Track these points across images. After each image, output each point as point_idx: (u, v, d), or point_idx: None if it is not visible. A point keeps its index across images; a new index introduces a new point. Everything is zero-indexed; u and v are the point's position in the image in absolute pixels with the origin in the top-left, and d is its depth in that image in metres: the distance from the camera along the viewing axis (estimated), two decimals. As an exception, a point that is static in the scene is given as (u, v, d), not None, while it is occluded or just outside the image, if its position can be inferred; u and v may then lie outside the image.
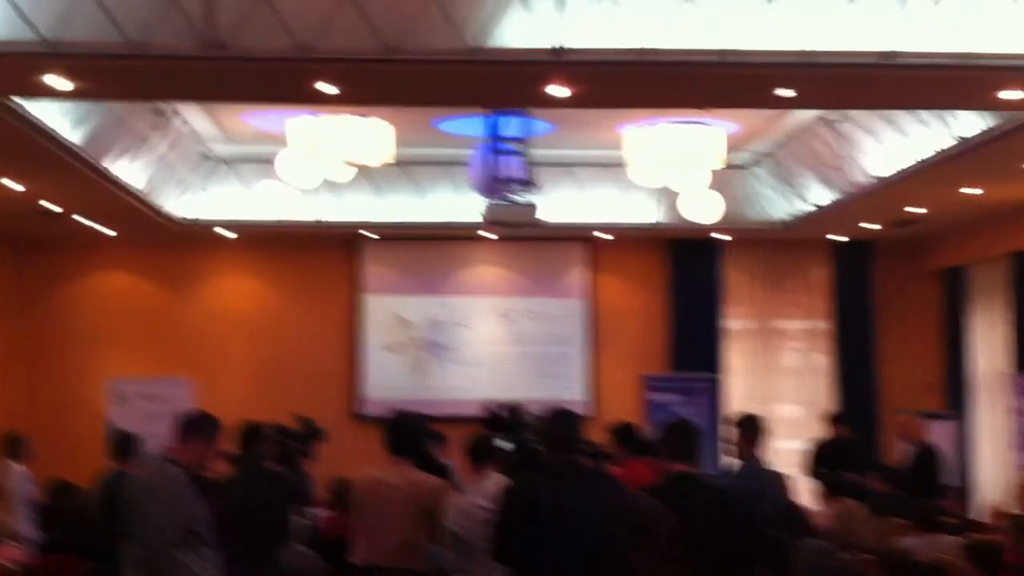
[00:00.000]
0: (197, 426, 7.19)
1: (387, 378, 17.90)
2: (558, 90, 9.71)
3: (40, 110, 10.88)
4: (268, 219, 16.24)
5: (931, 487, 13.21)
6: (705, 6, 8.76)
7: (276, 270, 18.15)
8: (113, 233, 16.94)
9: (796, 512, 9.22)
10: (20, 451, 10.93)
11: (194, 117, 14.30)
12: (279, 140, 13.61)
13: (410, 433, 7.91)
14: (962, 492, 12.59)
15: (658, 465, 7.34)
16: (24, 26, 8.52)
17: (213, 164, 16.07)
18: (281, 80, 9.69)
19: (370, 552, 7.58)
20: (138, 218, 15.58)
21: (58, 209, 14.98)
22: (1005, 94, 9.57)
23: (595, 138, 15.01)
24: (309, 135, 12.77)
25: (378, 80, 9.68)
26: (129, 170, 13.61)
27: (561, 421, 6.51)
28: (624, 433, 10.99)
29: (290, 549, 8.72)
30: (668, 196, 16.08)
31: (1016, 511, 11.02)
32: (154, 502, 6.86)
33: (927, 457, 13.74)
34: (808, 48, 8.90)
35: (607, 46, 8.92)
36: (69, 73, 9.22)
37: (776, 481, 9.05)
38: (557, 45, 8.86)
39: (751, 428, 9.22)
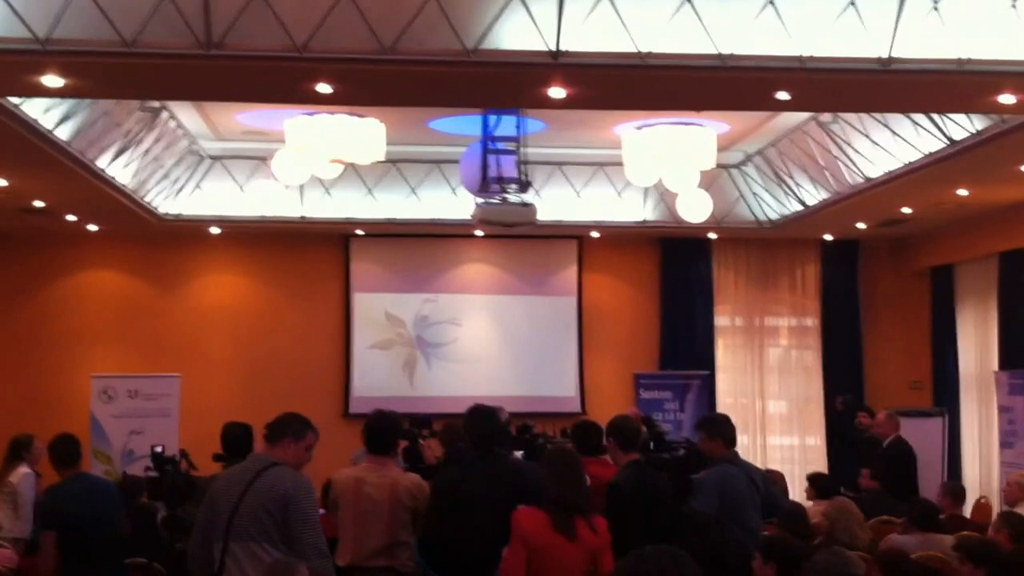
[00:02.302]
0: (288, 426, 7.08)
1: (377, 376, 17.83)
2: (556, 92, 9.70)
3: (27, 105, 10.82)
4: (257, 216, 16.21)
5: (902, 483, 13.37)
6: (704, 10, 8.76)
7: (265, 267, 18.06)
8: (97, 229, 16.87)
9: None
10: (24, 452, 10.85)
11: (184, 114, 14.23)
12: (268, 137, 13.63)
13: (388, 432, 7.93)
14: (952, 489, 12.60)
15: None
16: (18, 24, 8.47)
17: (201, 161, 16.00)
18: (277, 79, 9.64)
19: (355, 552, 7.62)
20: (125, 214, 15.50)
21: (43, 205, 14.92)
22: (1001, 98, 9.59)
23: (586, 137, 15.03)
24: (302, 133, 12.73)
25: (374, 80, 9.64)
26: (116, 166, 13.55)
27: (479, 418, 7.85)
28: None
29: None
30: (659, 195, 16.11)
31: (1005, 508, 11.06)
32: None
33: (897, 453, 13.90)
34: (806, 53, 8.91)
35: (605, 49, 8.91)
36: (63, 71, 9.16)
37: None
38: (555, 47, 8.84)
39: (712, 428, 9.29)
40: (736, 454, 9.04)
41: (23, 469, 10.60)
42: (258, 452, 6.93)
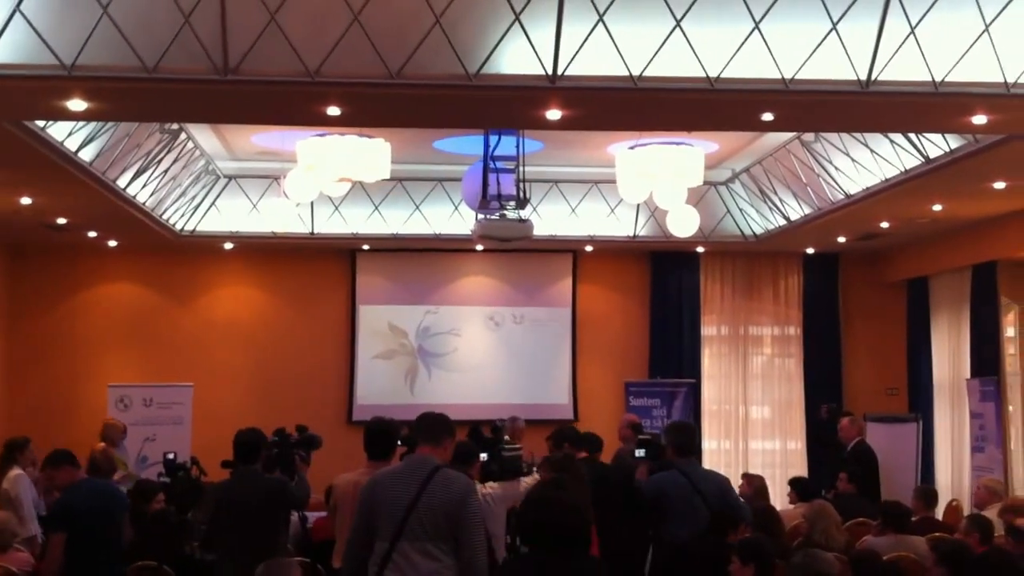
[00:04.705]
0: (441, 427, 7.09)
1: (380, 385, 17.88)
2: (553, 114, 9.77)
3: (52, 127, 10.88)
4: (268, 232, 16.26)
5: (865, 485, 13.50)
6: (693, 36, 8.82)
7: (275, 281, 18.12)
8: (117, 244, 16.93)
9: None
10: (18, 454, 10.83)
11: (201, 135, 14.32)
12: (282, 157, 13.66)
13: (386, 438, 7.98)
14: (924, 492, 12.70)
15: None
16: (45, 51, 8.53)
17: (217, 179, 16.07)
18: (290, 103, 9.70)
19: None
20: (143, 230, 15.60)
21: (65, 221, 14.99)
22: (974, 119, 9.66)
23: (581, 156, 15.12)
24: (313, 153, 12.79)
25: (382, 103, 9.69)
26: (136, 185, 13.63)
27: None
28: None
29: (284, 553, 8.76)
30: (649, 210, 16.20)
31: (975, 511, 11.11)
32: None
33: (860, 456, 14.02)
34: (790, 76, 8.99)
35: (600, 73, 8.98)
36: (87, 95, 9.22)
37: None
38: (552, 72, 8.91)
39: (667, 435, 9.50)
40: (689, 462, 9.14)
41: (15, 471, 10.58)
42: (421, 454, 6.85)
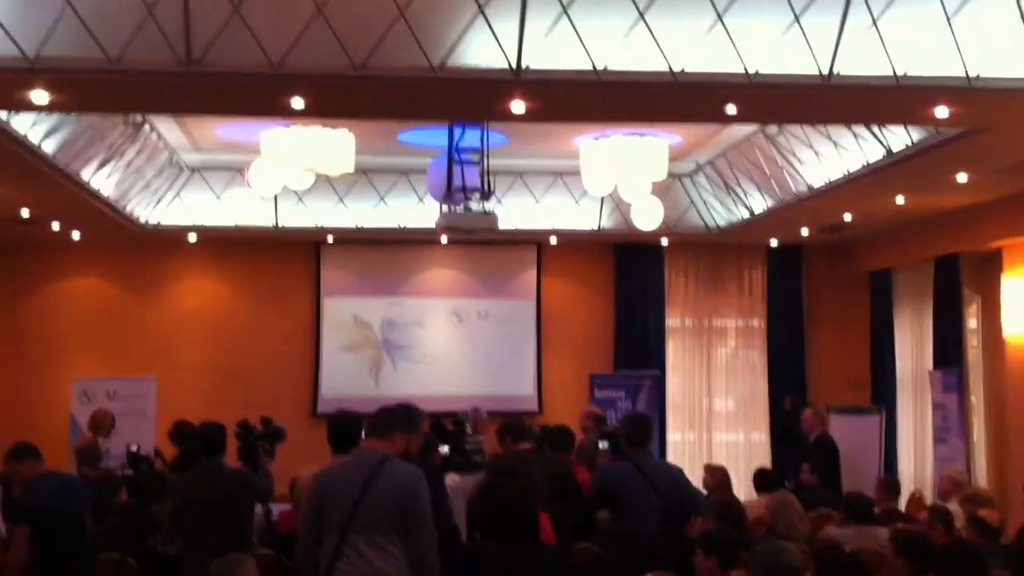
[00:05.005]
0: (393, 420, 7.05)
1: (345, 377, 17.85)
2: (517, 106, 9.74)
3: (15, 119, 10.82)
4: (233, 224, 16.22)
5: (827, 476, 13.58)
6: (657, 28, 8.83)
7: (240, 273, 18.07)
8: (81, 237, 16.83)
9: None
10: None
11: (165, 127, 14.23)
12: (246, 149, 13.62)
13: (349, 431, 7.95)
14: (887, 484, 12.76)
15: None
16: (8, 43, 8.48)
17: (181, 171, 15.98)
18: (253, 95, 9.71)
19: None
20: (107, 223, 15.50)
21: (29, 214, 14.89)
22: (936, 111, 9.70)
23: (546, 148, 15.09)
24: (277, 145, 12.75)
25: (346, 95, 9.71)
26: (100, 177, 13.55)
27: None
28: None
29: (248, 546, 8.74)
30: (614, 203, 16.20)
31: (938, 502, 11.16)
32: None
33: (821, 448, 14.11)
34: (753, 69, 9.00)
35: (564, 66, 8.98)
36: (50, 87, 9.18)
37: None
38: (516, 64, 8.90)
39: (620, 427, 9.58)
40: (642, 453, 9.17)
41: None
42: (369, 446, 6.85)
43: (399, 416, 6.99)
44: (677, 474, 9.29)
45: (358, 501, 6.48)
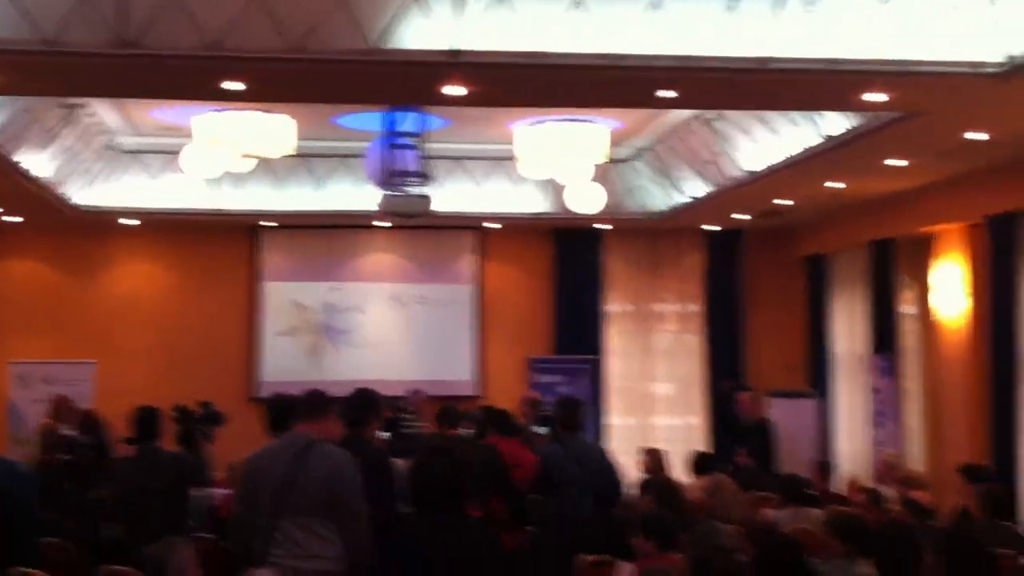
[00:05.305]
0: (323, 404, 7.01)
1: (284, 362, 17.80)
2: (454, 89, 9.72)
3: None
4: (171, 207, 16.10)
5: (765, 459, 13.68)
6: (595, 12, 8.82)
7: (178, 257, 17.99)
8: (19, 220, 16.65)
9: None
10: None
11: (103, 110, 14.10)
12: (184, 132, 13.52)
13: (286, 414, 7.92)
14: (821, 466, 12.87)
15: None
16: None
17: (118, 154, 15.83)
18: (190, 77, 9.61)
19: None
20: (44, 207, 15.33)
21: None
22: (869, 96, 9.73)
23: (486, 133, 15.06)
24: (211, 129, 12.67)
25: (282, 78, 9.64)
26: (36, 160, 13.39)
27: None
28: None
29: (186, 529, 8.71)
30: (554, 188, 16.19)
31: (874, 485, 11.27)
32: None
33: (760, 431, 14.21)
34: (689, 53, 9.01)
35: (502, 48, 8.95)
36: (-16, 69, 9.08)
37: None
38: (454, 47, 8.87)
39: (560, 411, 9.53)
40: (572, 436, 9.22)
41: None
42: (297, 430, 6.81)
43: (324, 400, 6.98)
44: (604, 456, 9.37)
45: (287, 486, 6.46)
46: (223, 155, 13.06)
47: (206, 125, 12.75)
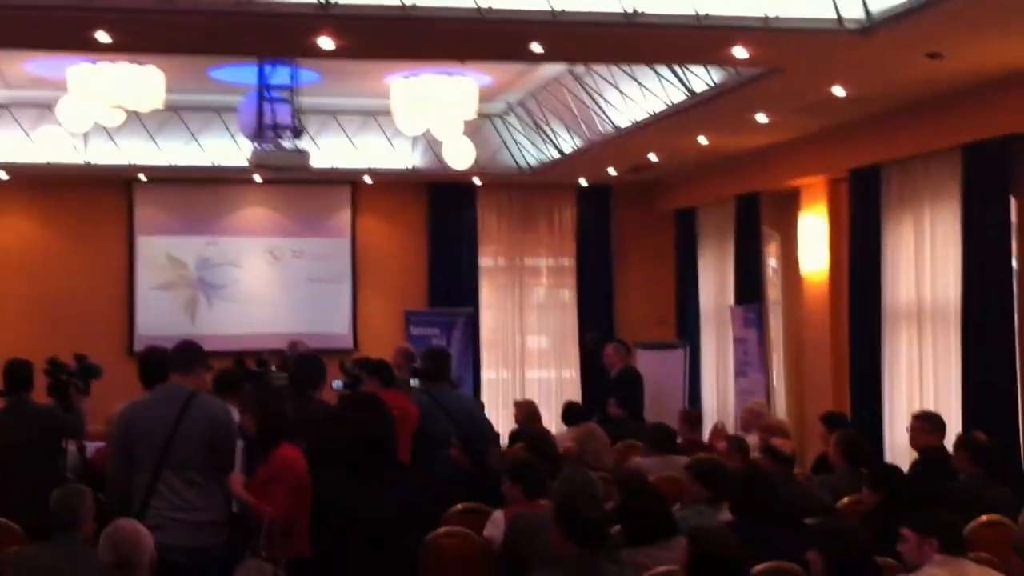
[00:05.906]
0: (197, 355, 6.93)
1: (160, 316, 17.56)
2: (325, 42, 9.65)
3: None
4: (43, 162, 15.77)
5: (631, 408, 13.86)
6: (465, -35, 8.81)
7: (51, 212, 17.63)
8: None
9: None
10: None
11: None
12: (55, 85, 13.27)
13: (160, 367, 7.87)
14: (689, 416, 13.05)
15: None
16: None
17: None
18: (58, 28, 9.44)
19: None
20: (-88, 160, 14.98)
21: None
22: (735, 51, 9.84)
23: (360, 87, 14.95)
24: (84, 81, 12.46)
25: (151, 29, 9.52)
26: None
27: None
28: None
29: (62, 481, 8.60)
30: (428, 142, 16.17)
31: (739, 433, 11.44)
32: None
33: (624, 381, 14.37)
34: (558, 7, 9.03)
35: (372, 1, 8.90)
36: None
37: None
38: (325, -1, 8.82)
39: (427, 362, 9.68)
40: (439, 387, 9.34)
41: None
42: (174, 382, 6.75)
43: (197, 352, 6.95)
44: (472, 405, 9.44)
45: (170, 438, 6.43)
46: (96, 108, 12.86)
47: (80, 77, 12.53)
